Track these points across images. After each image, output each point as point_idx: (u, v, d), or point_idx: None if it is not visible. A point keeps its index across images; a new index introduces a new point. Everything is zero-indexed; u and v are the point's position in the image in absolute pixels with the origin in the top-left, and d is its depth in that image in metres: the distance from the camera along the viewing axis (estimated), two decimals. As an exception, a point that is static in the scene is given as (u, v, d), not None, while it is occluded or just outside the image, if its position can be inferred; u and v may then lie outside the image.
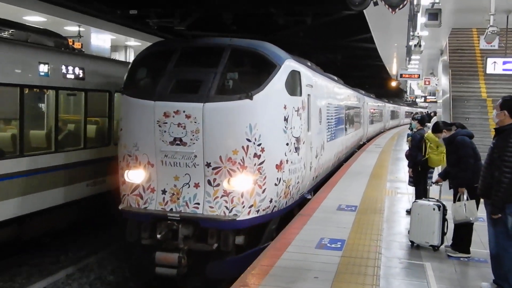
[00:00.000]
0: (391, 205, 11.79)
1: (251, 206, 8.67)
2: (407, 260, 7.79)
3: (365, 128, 29.10)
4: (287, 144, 9.34)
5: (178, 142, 8.53)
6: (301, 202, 11.23)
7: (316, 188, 13.22)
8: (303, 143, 10.27)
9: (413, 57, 21.44)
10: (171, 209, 8.73)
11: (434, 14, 11.76)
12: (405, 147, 22.62)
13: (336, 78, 18.90)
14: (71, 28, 18.81)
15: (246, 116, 8.60)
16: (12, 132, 9.99)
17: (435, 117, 24.13)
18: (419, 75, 27.16)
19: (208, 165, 8.57)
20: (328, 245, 8.26)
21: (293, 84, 10.02)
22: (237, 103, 8.57)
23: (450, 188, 8.27)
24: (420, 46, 15.56)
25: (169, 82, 8.88)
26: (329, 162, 15.17)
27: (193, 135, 8.46)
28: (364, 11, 14.73)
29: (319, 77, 13.40)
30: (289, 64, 9.80)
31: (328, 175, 15.44)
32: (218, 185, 8.62)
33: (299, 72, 10.41)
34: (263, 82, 8.89)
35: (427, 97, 34.65)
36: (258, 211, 8.77)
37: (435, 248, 8.14)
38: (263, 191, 8.77)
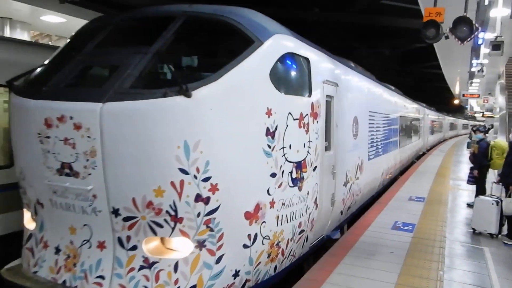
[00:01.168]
0: (453, 198, 10.84)
1: (193, 287, 3.99)
2: (468, 244, 7.11)
3: (425, 138, 23.92)
4: (273, 175, 4.42)
5: (68, 171, 3.98)
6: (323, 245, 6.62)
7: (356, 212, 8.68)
8: (314, 169, 5.32)
9: (474, 80, 19.86)
10: (64, 281, 4.18)
11: (497, 46, 10.87)
12: (465, 152, 20.94)
13: (393, 87, 13.74)
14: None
15: (177, 128, 3.74)
16: None
17: (492, 130, 22.32)
18: (479, 95, 25.29)
19: (116, 212, 3.96)
20: (401, 227, 7.78)
21: (291, 76, 5.09)
22: (160, 104, 3.69)
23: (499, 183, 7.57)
24: (482, 71, 14.32)
25: (72, 71, 4.34)
26: (373, 183, 9.56)
27: (88, 160, 3.88)
28: (434, 44, 13.80)
29: (352, 75, 7.65)
30: (282, 43, 4.68)
31: (376, 196, 10.60)
32: (134, 247, 4.02)
33: (306, 59, 5.19)
34: (222, 68, 4.00)
35: (484, 112, 31.88)
36: None
37: (493, 236, 7.40)
38: (218, 260, 4.06)
